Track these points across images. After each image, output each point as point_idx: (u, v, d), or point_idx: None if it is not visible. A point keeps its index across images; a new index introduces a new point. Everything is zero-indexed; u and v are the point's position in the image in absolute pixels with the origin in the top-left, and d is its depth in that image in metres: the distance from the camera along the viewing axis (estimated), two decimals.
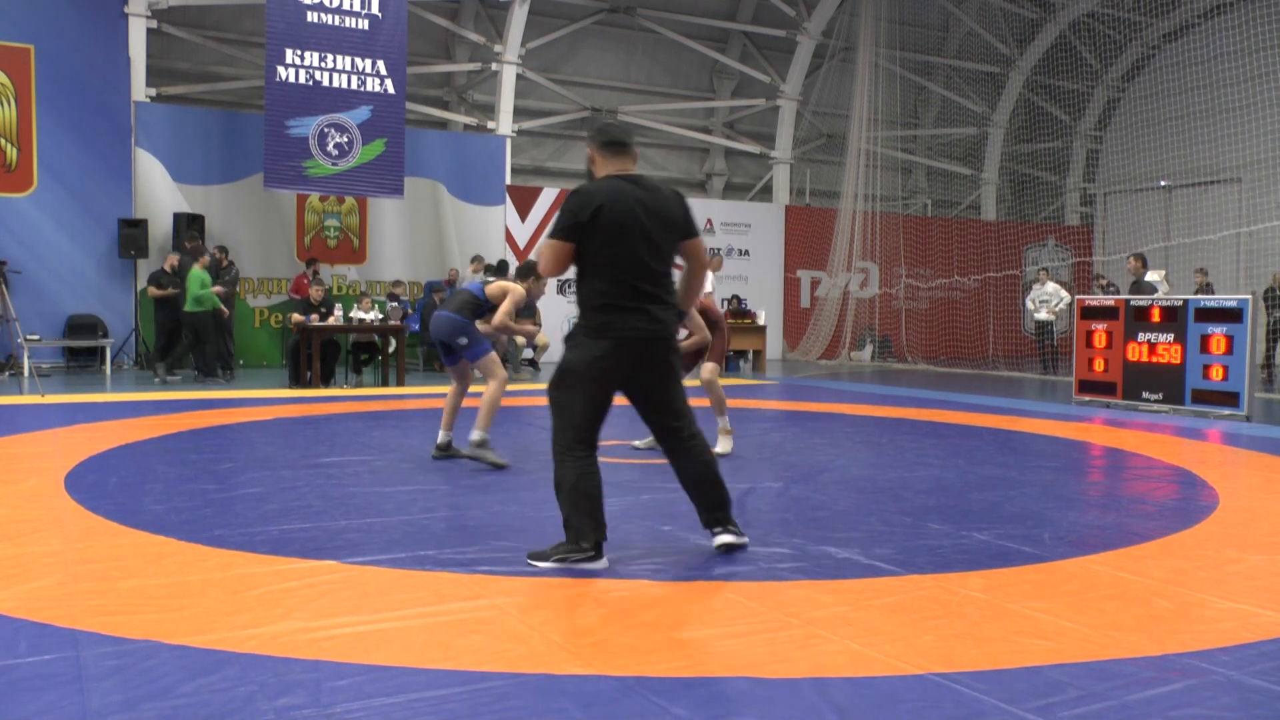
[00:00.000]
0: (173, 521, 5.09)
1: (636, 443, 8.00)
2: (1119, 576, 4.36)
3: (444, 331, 7.12)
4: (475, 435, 7.02)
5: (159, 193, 15.83)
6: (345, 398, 11.88)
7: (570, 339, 4.46)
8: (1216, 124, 21.17)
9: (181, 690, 2.92)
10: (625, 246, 4.26)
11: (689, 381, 7.66)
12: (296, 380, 13.12)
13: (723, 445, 7.71)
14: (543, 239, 4.27)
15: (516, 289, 7.13)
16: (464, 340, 7.09)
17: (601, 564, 4.31)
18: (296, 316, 13.30)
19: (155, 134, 15.86)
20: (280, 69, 15.11)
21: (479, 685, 3.00)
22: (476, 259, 16.17)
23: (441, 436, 7.35)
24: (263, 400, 11.33)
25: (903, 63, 22.48)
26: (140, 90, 15.82)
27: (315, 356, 13.03)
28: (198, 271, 13.28)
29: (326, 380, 13.38)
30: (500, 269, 15.39)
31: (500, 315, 7.03)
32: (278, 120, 15.19)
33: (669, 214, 4.38)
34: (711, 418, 7.76)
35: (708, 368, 7.83)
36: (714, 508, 4.57)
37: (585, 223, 4.23)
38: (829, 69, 22.33)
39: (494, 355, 7.23)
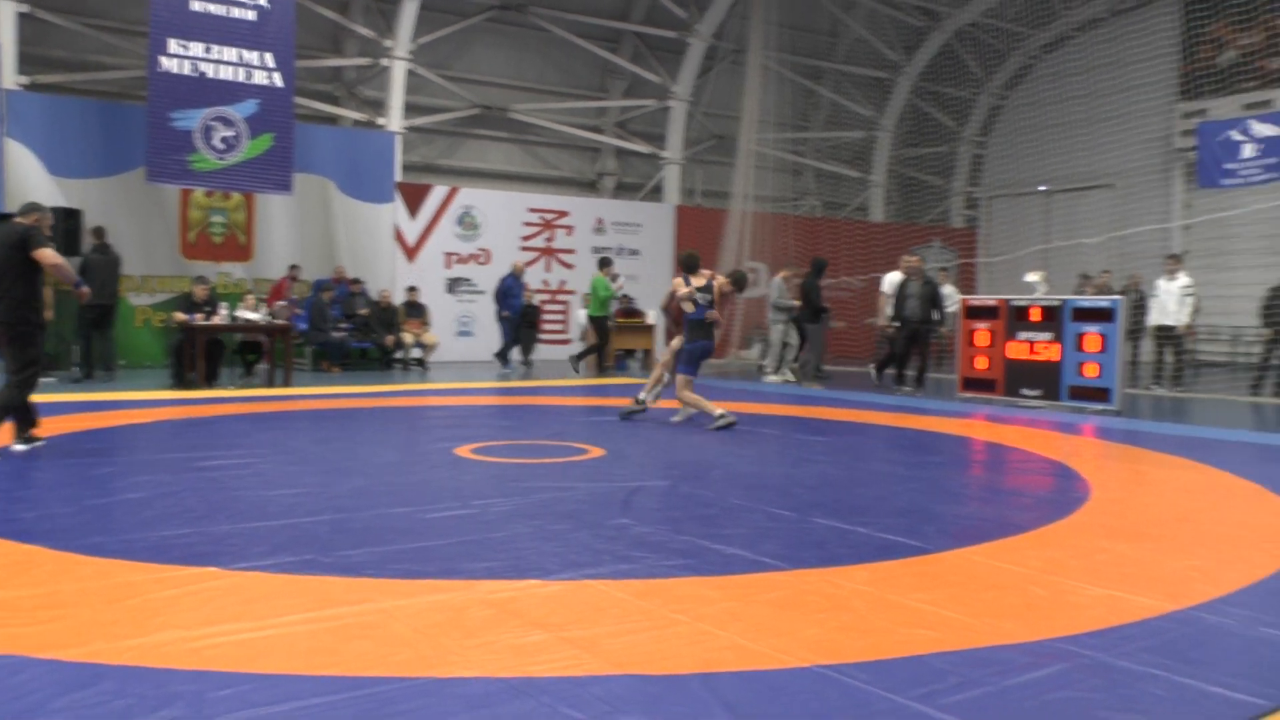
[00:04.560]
0: (44, 529, 4.89)
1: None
2: (998, 566, 4.51)
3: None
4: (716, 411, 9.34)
5: (33, 186, 15.12)
6: (230, 399, 11.56)
7: None
8: (1092, 132, 22.14)
9: (53, 706, 2.82)
10: None
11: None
12: (179, 381, 12.73)
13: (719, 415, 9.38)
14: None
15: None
16: None
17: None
18: (179, 315, 12.91)
19: (29, 124, 15.17)
20: (163, 59, 14.62)
21: (367, 690, 2.97)
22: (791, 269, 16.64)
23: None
24: (145, 402, 10.96)
25: (793, 66, 22.81)
26: (10, 77, 15.13)
27: (200, 356, 12.66)
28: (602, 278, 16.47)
29: (211, 381, 13.01)
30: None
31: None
32: (161, 112, 14.69)
33: (6, 241, 7.13)
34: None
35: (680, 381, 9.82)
36: (26, 426, 7.31)
37: None
38: (720, 71, 22.54)
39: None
